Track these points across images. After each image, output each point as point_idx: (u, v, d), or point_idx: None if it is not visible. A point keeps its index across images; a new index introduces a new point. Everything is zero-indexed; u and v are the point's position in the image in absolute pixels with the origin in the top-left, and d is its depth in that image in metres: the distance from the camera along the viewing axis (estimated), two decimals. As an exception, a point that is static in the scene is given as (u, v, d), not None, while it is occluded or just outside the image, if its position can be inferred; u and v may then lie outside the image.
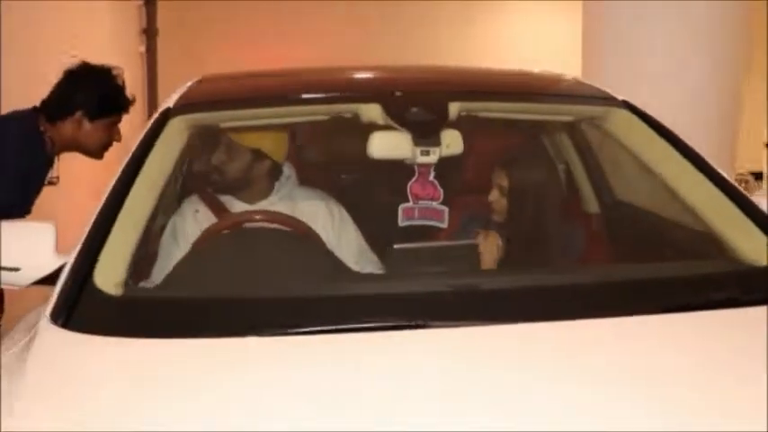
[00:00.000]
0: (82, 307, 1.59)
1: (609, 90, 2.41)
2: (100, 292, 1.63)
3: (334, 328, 1.49)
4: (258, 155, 2.36)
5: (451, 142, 2.04)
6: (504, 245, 2.23)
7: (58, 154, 2.59)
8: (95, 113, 2.55)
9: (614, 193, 2.88)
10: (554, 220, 2.38)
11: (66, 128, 2.55)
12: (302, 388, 1.29)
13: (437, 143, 2.00)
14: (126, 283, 1.70)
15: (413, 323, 1.49)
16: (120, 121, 2.63)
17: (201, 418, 1.21)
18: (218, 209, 2.38)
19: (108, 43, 5.90)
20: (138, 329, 1.53)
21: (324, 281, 1.77)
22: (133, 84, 4.13)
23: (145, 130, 2.03)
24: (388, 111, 2.06)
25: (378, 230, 2.46)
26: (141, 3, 6.75)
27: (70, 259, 1.73)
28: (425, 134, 2.00)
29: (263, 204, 2.40)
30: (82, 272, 1.67)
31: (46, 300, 1.89)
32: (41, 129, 2.54)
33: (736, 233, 1.91)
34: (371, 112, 2.10)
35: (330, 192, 2.48)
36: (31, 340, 1.52)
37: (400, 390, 1.28)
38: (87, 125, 2.56)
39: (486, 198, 2.39)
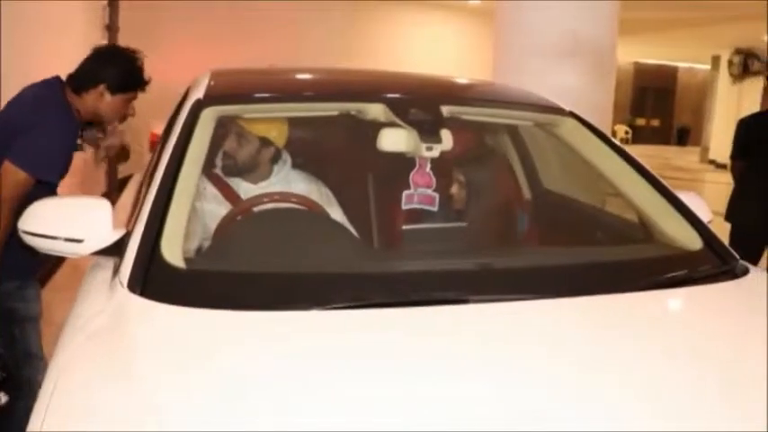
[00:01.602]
0: (154, 278, 1.55)
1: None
2: (168, 264, 1.59)
3: (393, 301, 1.44)
4: (264, 142, 2.43)
5: (446, 140, 2.09)
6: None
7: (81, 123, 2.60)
8: (116, 88, 2.52)
9: (542, 185, 2.90)
10: (503, 206, 2.40)
11: (90, 99, 2.51)
12: (373, 358, 1.30)
13: (439, 140, 2.04)
14: (186, 257, 1.68)
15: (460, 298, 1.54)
16: (135, 97, 2.63)
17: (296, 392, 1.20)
18: (223, 187, 2.40)
19: (79, 37, 5.65)
20: (211, 301, 1.47)
21: (369, 258, 1.71)
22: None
23: (183, 118, 2.02)
24: (394, 110, 2.12)
25: (360, 210, 2.40)
26: (105, 2, 6.48)
27: (135, 233, 1.64)
28: (429, 132, 2.03)
29: (263, 185, 2.45)
30: (149, 245, 1.62)
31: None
32: (68, 99, 2.52)
33: (667, 222, 2.04)
34: (376, 110, 2.15)
35: (321, 176, 2.53)
36: (118, 310, 1.38)
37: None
38: (108, 98, 2.52)
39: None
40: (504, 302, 1.53)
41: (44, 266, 4.30)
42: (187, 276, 1.57)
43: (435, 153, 2.03)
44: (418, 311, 1.47)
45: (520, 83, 3.32)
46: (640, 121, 24.55)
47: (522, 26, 4.56)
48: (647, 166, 2.29)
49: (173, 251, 1.59)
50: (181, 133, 1.90)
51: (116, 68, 2.50)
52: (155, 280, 1.51)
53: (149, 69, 2.66)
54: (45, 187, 2.35)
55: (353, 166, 2.61)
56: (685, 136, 24.74)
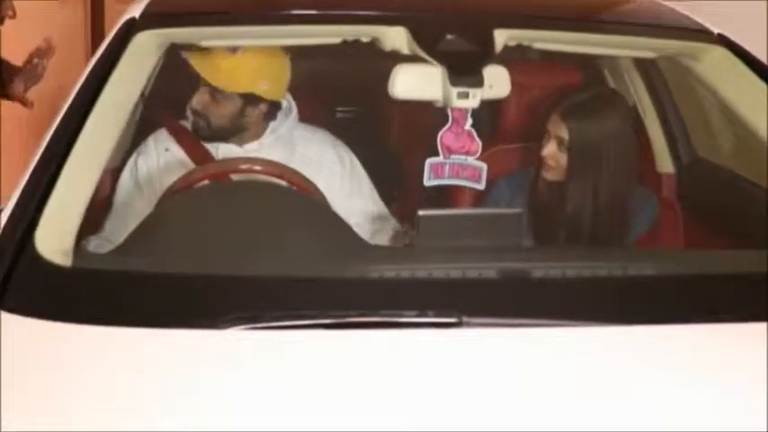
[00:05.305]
0: (17, 280, 1.47)
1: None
2: (43, 260, 1.49)
3: (338, 322, 1.39)
4: (251, 99, 2.22)
5: (496, 82, 1.87)
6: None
7: None
8: None
9: (696, 151, 2.71)
10: (623, 185, 2.21)
11: None
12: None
13: (479, 83, 1.82)
14: (77, 249, 1.57)
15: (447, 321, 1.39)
16: None
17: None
18: (194, 148, 2.25)
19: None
20: (93, 315, 1.42)
21: (331, 257, 1.61)
22: (74, 21, 4.53)
23: (103, 46, 1.86)
24: (416, 38, 1.88)
25: (393, 188, 2.28)
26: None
27: (4, 214, 1.55)
28: (465, 71, 1.84)
29: (253, 146, 2.26)
30: (19, 232, 1.53)
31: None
32: None
33: None
34: (395, 37, 1.92)
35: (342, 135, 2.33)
36: None
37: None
38: None
39: (531, 151, 2.26)
40: (515, 328, 1.42)
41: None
42: (69, 279, 1.50)
43: (473, 103, 1.84)
44: (379, 337, 1.38)
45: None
46: None
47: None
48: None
49: (54, 241, 1.52)
50: (95, 68, 1.78)
51: None
52: (18, 283, 1.45)
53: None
54: None
55: (381, 121, 2.46)
56: None
